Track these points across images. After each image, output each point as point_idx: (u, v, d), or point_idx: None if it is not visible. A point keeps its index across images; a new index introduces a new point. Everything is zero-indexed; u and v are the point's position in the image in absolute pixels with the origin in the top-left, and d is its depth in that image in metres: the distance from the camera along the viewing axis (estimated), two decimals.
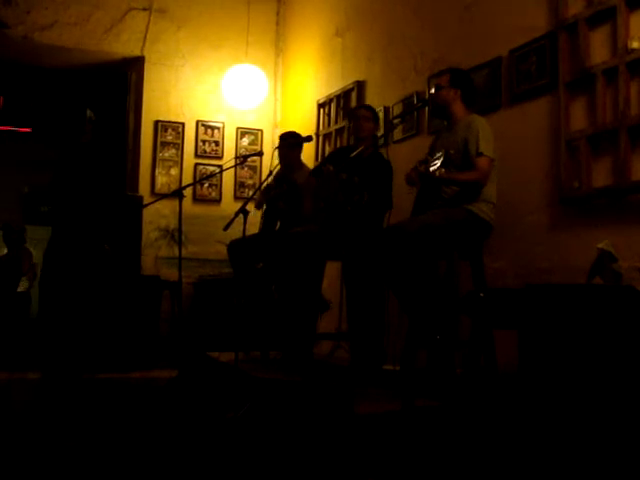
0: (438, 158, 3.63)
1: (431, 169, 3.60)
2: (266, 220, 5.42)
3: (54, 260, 4.85)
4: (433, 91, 3.97)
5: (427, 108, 4.65)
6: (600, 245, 2.98)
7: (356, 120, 4.76)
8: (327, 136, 6.43)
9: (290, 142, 5.34)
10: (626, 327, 2.46)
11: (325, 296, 5.04)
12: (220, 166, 6.93)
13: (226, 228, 4.67)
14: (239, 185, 7.34)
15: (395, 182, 4.39)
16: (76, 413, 3.85)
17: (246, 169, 7.34)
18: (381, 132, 5.24)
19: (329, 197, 4.64)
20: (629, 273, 3.03)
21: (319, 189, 4.78)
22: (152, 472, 2.82)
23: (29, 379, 4.99)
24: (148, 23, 7.09)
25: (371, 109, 4.80)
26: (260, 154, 5.85)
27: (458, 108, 3.90)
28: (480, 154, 3.64)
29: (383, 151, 4.61)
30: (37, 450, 3.06)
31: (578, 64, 3.73)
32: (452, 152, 3.64)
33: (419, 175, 3.73)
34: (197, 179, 7.02)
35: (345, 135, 6.08)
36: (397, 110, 5.32)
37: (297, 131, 5.77)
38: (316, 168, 5.15)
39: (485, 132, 3.71)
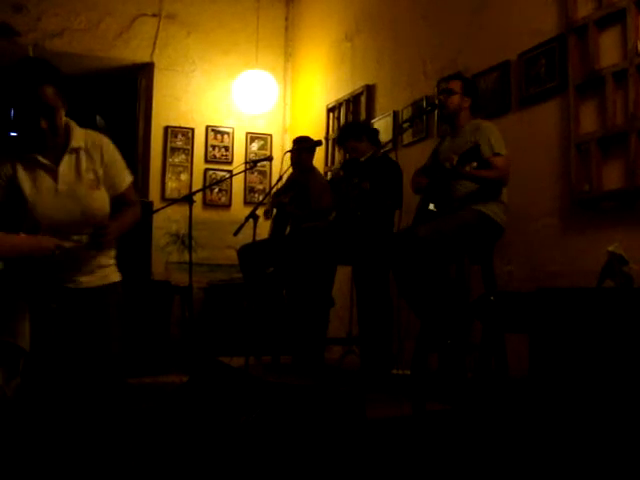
0: (466, 153, 3.61)
1: (464, 166, 3.61)
2: (276, 225, 5.44)
3: None
4: (442, 96, 3.95)
5: (436, 112, 4.64)
6: (610, 248, 2.96)
7: (347, 151, 4.93)
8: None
9: (304, 146, 5.35)
10: (637, 330, 2.44)
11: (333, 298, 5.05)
12: (230, 171, 6.95)
13: (236, 233, 4.67)
14: (249, 190, 7.35)
15: (405, 184, 4.40)
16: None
17: (256, 174, 7.35)
18: (390, 136, 5.25)
19: (341, 202, 4.67)
20: None
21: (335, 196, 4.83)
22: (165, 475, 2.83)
23: None
24: (157, 29, 7.11)
25: (355, 135, 4.79)
26: (270, 159, 5.86)
27: (464, 115, 3.91)
28: (497, 154, 3.65)
29: (392, 155, 4.64)
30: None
31: (588, 66, 3.72)
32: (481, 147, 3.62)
33: (445, 171, 3.70)
34: (207, 184, 7.04)
35: None
36: (406, 114, 5.32)
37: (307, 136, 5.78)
38: (332, 178, 5.20)
39: (495, 133, 3.73)
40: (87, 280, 2.77)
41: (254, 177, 7.37)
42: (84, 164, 2.72)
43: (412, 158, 4.83)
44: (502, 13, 4.41)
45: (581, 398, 2.59)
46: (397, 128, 5.38)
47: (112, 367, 2.80)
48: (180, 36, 7.20)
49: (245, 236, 4.78)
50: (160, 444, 3.32)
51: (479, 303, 3.55)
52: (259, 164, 6.63)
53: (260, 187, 7.37)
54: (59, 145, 2.70)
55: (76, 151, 2.72)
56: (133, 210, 2.92)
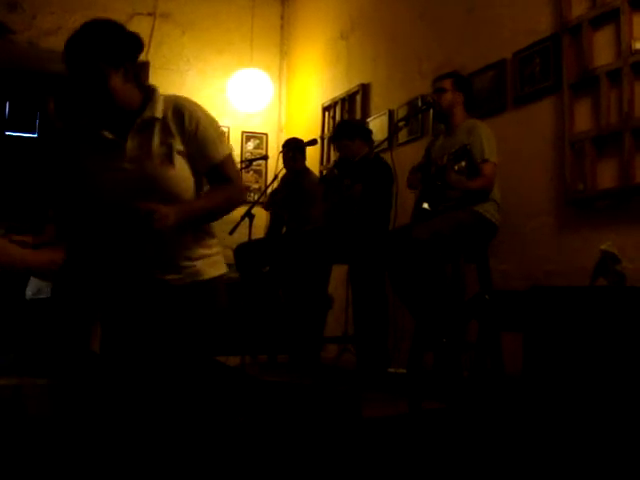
0: (455, 153, 3.62)
1: (453, 165, 3.62)
2: (272, 224, 5.45)
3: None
4: (435, 94, 3.97)
5: (431, 111, 4.65)
6: (603, 246, 2.97)
7: (339, 150, 4.93)
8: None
9: (292, 148, 5.37)
10: (629, 328, 2.46)
11: (332, 299, 5.06)
12: None
13: (232, 232, 4.68)
14: (244, 189, 7.34)
15: (400, 183, 4.41)
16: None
17: (251, 173, 7.34)
18: (385, 135, 5.26)
19: (334, 201, 4.68)
20: (636, 274, 3.03)
21: (326, 194, 4.83)
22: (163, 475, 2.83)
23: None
24: (152, 28, 7.09)
25: (348, 134, 4.83)
26: (265, 158, 5.88)
27: (459, 113, 3.92)
28: (485, 160, 3.66)
29: (387, 154, 4.65)
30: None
31: (582, 66, 3.73)
32: (469, 147, 3.62)
33: (436, 169, 3.73)
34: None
35: None
36: (402, 113, 5.32)
37: (302, 135, 5.80)
38: (325, 175, 5.20)
39: (488, 136, 3.74)
40: (172, 278, 2.45)
41: (250, 176, 7.36)
42: (157, 137, 2.38)
43: (407, 157, 4.83)
44: (497, 12, 4.42)
45: (574, 395, 2.60)
46: (392, 127, 5.37)
47: (180, 376, 2.57)
48: (175, 35, 7.19)
49: (241, 235, 4.78)
50: (157, 444, 3.32)
51: (474, 302, 3.56)
52: (255, 163, 6.63)
53: (256, 186, 7.36)
54: (130, 117, 2.40)
55: (150, 122, 2.40)
56: (226, 188, 2.47)
